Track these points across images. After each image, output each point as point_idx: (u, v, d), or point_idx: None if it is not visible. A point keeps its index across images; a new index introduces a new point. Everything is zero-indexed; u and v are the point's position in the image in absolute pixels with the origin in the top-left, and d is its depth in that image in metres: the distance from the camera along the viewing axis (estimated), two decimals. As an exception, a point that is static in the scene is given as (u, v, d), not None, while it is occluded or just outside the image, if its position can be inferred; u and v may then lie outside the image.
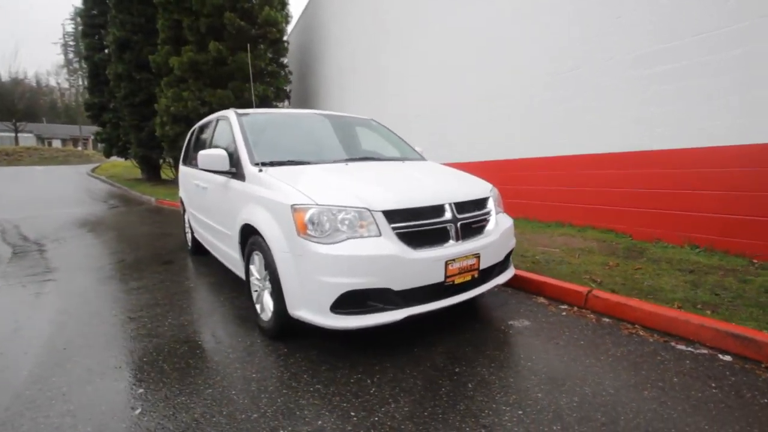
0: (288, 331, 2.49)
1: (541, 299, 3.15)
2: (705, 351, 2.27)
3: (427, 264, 2.24)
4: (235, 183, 2.92)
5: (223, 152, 2.96)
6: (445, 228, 2.39)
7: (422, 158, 3.64)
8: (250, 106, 12.72)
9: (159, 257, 4.91)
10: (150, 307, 3.20)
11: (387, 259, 2.14)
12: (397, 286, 2.18)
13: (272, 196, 2.42)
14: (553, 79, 5.14)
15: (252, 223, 2.56)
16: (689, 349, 2.31)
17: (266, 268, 2.52)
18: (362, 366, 2.22)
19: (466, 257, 2.40)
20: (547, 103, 5.23)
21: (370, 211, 2.22)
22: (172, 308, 3.17)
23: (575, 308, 2.95)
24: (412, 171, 3.00)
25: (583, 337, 2.50)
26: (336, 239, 2.16)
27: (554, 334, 2.57)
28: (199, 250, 4.88)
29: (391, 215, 2.24)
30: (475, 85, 6.39)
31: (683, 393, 1.91)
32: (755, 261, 3.38)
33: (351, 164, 2.98)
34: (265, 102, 12.67)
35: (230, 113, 3.43)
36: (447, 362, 2.25)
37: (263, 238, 2.45)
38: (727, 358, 2.19)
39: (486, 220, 2.67)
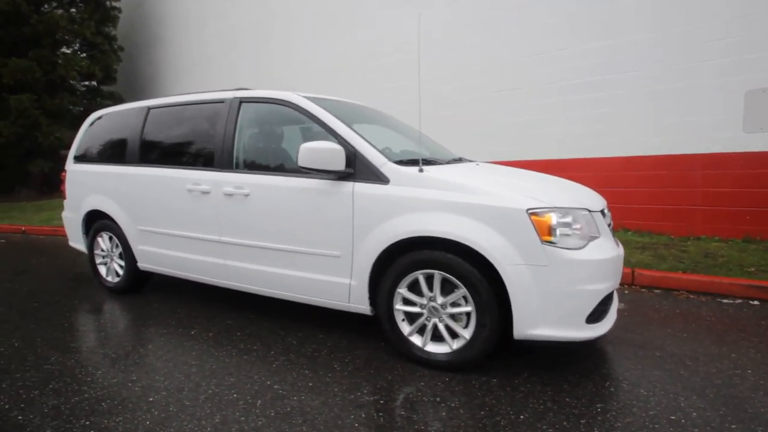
0: (490, 358, 2.16)
1: (591, 283, 3.65)
2: (740, 301, 3.17)
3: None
4: (365, 187, 2.27)
5: (339, 147, 2.27)
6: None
7: None
8: (62, 83, 9.27)
9: (64, 301, 3.19)
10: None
11: (619, 260, 2.17)
12: (616, 286, 2.22)
13: (482, 201, 2.04)
14: (499, 95, 5.87)
15: (440, 235, 2.07)
16: (731, 301, 3.17)
17: (445, 291, 2.15)
18: (555, 374, 2.15)
19: (616, 251, 2.62)
20: (492, 114, 5.93)
21: (590, 212, 2.17)
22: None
23: (625, 286, 3.56)
24: (532, 173, 2.98)
25: (673, 308, 3.06)
26: (576, 244, 2.02)
27: (649, 309, 3.05)
28: (135, 284, 3.46)
29: (602, 215, 2.26)
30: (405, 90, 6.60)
31: (779, 331, 2.66)
32: (673, 237, 4.81)
33: (482, 165, 2.75)
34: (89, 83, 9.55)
35: (296, 96, 2.62)
36: (615, 350, 2.41)
37: (468, 253, 2.04)
38: (756, 303, 3.13)
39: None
